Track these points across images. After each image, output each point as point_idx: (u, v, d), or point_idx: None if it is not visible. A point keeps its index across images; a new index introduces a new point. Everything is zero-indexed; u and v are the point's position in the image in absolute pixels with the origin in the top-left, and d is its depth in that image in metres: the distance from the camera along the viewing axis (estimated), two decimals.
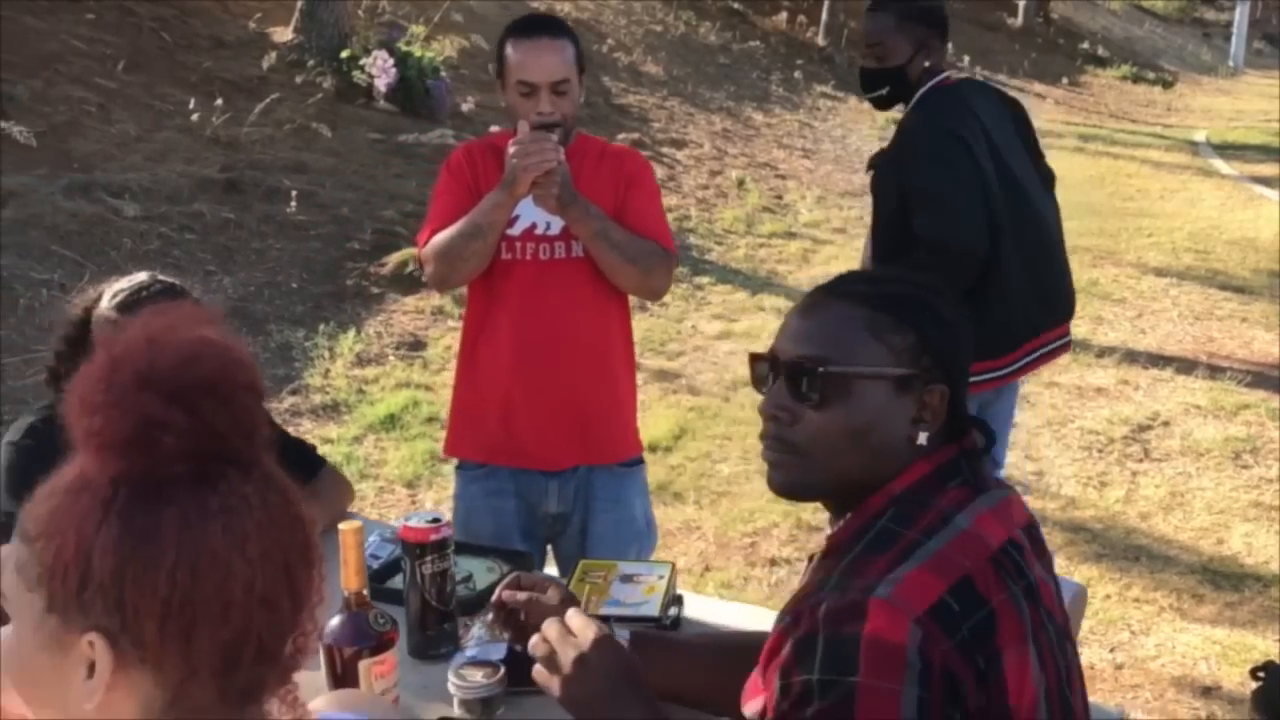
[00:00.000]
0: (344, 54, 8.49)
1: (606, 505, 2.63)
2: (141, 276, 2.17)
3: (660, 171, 8.59)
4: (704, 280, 7.30)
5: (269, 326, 5.63)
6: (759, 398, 1.39)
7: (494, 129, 8.86)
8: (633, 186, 2.58)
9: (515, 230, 2.52)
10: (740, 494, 4.54)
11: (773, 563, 4.03)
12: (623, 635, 1.65)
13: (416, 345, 5.77)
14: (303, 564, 0.94)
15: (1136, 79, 20.95)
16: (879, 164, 3.03)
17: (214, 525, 0.88)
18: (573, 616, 1.41)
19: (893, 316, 1.32)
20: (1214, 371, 5.98)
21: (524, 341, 2.54)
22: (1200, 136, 15.44)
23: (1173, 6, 31.23)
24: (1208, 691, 3.27)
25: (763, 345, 4.80)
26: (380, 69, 8.27)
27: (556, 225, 2.51)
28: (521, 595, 1.65)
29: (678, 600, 1.88)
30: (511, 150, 2.36)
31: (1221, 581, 3.91)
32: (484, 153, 2.62)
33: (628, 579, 1.92)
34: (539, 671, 1.37)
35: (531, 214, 2.51)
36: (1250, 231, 9.39)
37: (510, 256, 2.53)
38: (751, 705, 1.27)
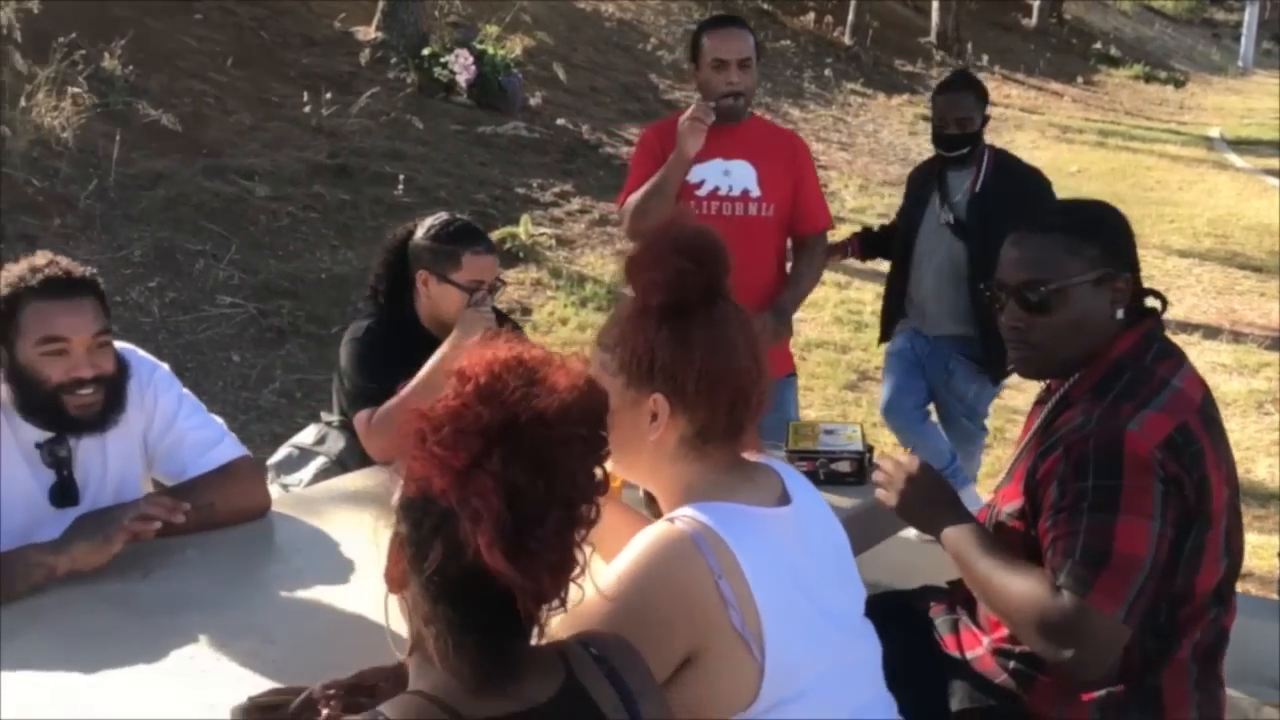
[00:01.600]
0: (425, 52, 9.18)
1: (770, 408, 3.32)
2: (444, 215, 2.86)
3: None
4: None
5: None
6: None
7: (560, 121, 9.58)
8: (804, 169, 3.31)
9: (702, 192, 3.23)
10: None
11: None
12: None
13: (525, 311, 6.45)
14: (759, 352, 1.60)
15: (1149, 78, 21.52)
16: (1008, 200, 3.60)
17: (717, 330, 1.53)
18: (900, 455, 2.00)
19: (1080, 235, 1.85)
20: (1237, 337, 6.66)
21: None
22: (1214, 132, 16.09)
23: (1182, 7, 31.78)
24: (1242, 576, 3.93)
25: (828, 315, 5.96)
26: (462, 66, 8.95)
27: (737, 187, 3.21)
28: None
29: (870, 448, 2.55)
30: (680, 122, 3.09)
31: (1251, 501, 4.58)
32: (671, 129, 3.31)
33: (829, 432, 2.60)
34: (880, 492, 1.95)
35: (715, 179, 3.22)
36: (1265, 218, 10.06)
37: (699, 213, 3.22)
38: (1010, 506, 1.86)
